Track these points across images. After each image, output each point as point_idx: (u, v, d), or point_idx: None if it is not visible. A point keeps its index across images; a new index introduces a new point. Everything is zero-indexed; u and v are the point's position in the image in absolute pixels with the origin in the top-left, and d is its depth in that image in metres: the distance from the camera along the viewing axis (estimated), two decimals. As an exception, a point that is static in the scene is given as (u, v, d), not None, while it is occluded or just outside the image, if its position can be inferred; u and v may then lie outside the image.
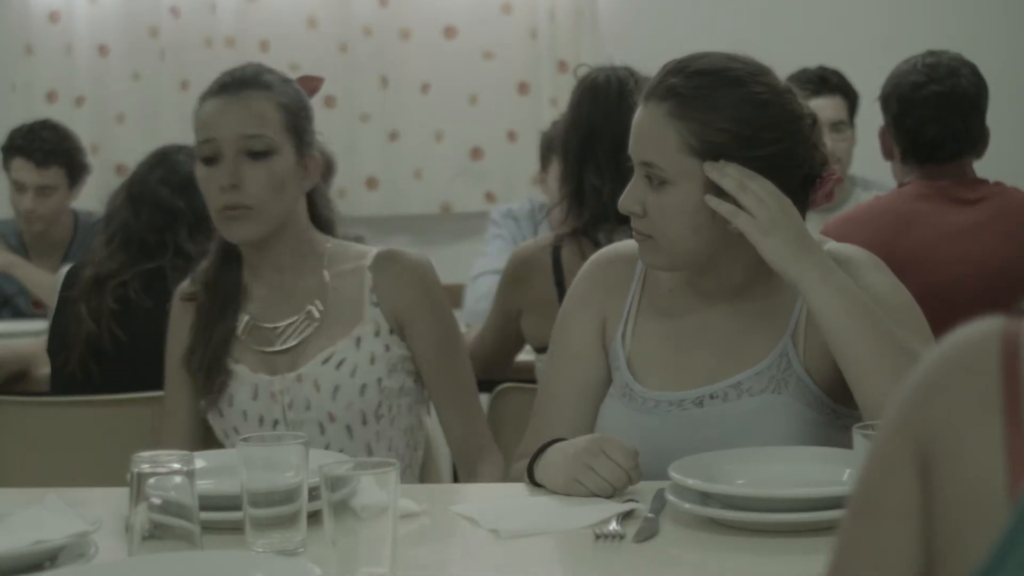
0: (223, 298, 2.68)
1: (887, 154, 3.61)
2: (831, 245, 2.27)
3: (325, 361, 2.58)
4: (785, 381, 2.19)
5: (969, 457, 1.07)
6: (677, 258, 2.22)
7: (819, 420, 2.18)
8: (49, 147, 4.83)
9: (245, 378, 2.61)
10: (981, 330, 1.12)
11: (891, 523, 1.13)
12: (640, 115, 2.22)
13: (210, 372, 2.63)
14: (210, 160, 2.57)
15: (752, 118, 2.18)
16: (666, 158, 2.17)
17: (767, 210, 2.11)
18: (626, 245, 2.39)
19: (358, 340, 2.59)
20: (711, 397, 2.21)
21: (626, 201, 2.22)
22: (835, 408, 2.19)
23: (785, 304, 2.24)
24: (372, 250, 2.69)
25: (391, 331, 2.61)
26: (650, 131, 2.19)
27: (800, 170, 2.22)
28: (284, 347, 2.62)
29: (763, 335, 2.24)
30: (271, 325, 2.65)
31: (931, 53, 3.50)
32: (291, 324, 2.64)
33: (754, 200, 2.12)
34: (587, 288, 2.39)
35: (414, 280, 2.63)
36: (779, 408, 2.17)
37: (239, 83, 2.61)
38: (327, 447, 2.55)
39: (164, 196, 3.56)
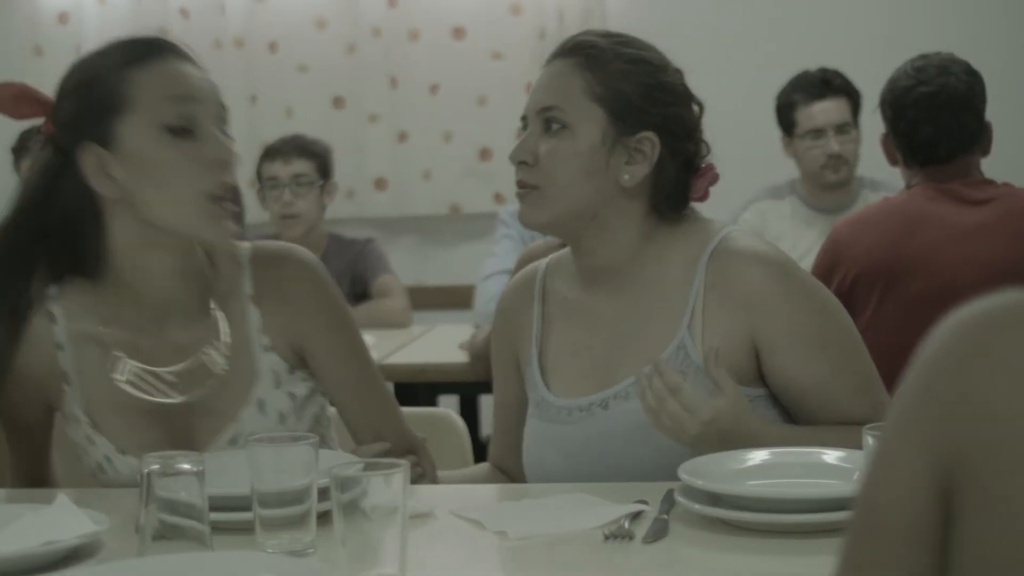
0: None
1: (891, 160, 3.61)
2: (734, 235, 2.27)
3: (236, 444, 2.23)
4: (684, 374, 2.18)
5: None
6: (561, 207, 2.26)
7: None
8: None
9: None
10: (989, 307, 1.07)
11: (897, 542, 1.07)
12: (544, 71, 2.31)
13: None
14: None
15: (655, 75, 2.28)
16: (569, 101, 2.25)
17: (689, 427, 2.09)
18: (525, 270, 2.47)
19: (262, 405, 2.28)
20: (614, 398, 2.24)
21: (517, 151, 2.27)
22: (744, 391, 2.18)
23: (678, 293, 2.26)
24: (241, 261, 2.30)
25: (291, 370, 2.30)
26: (555, 79, 2.28)
27: (688, 144, 2.30)
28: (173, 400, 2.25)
29: (658, 328, 2.25)
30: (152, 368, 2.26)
31: (922, 56, 3.52)
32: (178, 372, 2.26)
33: (674, 420, 2.09)
34: (498, 321, 2.48)
35: (305, 295, 2.30)
36: None
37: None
38: None
39: None
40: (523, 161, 2.27)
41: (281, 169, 4.90)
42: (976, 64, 3.52)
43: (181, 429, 2.24)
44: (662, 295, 2.27)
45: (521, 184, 2.28)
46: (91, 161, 2.16)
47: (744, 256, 2.23)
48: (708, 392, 2.14)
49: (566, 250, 2.40)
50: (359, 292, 4.85)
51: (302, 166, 4.89)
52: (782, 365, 2.22)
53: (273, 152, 4.96)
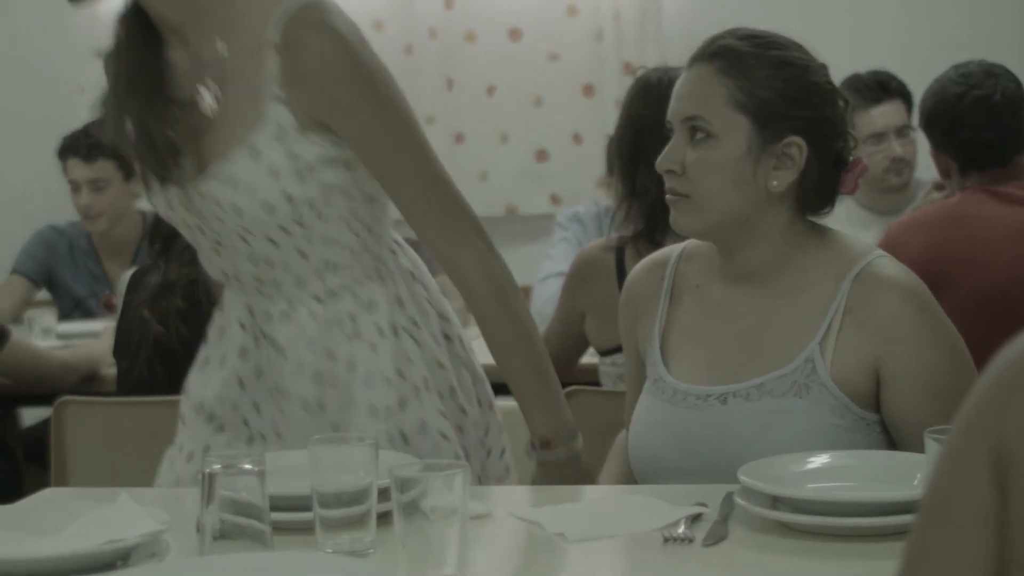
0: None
1: (944, 173, 3.60)
2: (881, 262, 2.25)
3: (220, 180, 2.27)
4: (807, 386, 2.18)
5: None
6: (712, 217, 2.24)
7: (842, 426, 2.17)
8: (94, 141, 4.89)
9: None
10: None
11: (963, 529, 1.12)
12: (685, 76, 2.28)
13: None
14: None
15: (798, 78, 2.26)
16: (713, 111, 2.22)
17: None
18: (657, 254, 2.46)
19: (255, 152, 2.25)
20: (734, 395, 2.23)
21: (664, 160, 2.25)
22: (861, 414, 2.19)
23: (816, 306, 2.24)
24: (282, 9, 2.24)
25: (301, 129, 2.25)
26: (697, 87, 2.25)
27: (837, 143, 2.28)
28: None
29: (790, 337, 2.24)
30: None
31: (960, 64, 3.51)
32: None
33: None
34: (624, 298, 2.46)
35: (333, 60, 2.25)
36: (800, 412, 2.17)
37: None
38: (255, 254, 2.33)
39: None
40: (670, 170, 2.25)
41: None
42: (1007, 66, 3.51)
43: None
44: (800, 306, 2.25)
45: (671, 192, 2.25)
46: None
47: (888, 284, 2.21)
48: (829, 410, 2.16)
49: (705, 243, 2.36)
50: None
51: None
52: (894, 397, 2.19)
53: None
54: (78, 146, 4.92)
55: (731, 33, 2.30)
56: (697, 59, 2.28)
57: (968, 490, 1.12)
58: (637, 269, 2.47)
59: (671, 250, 2.43)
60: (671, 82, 3.04)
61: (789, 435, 2.16)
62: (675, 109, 2.27)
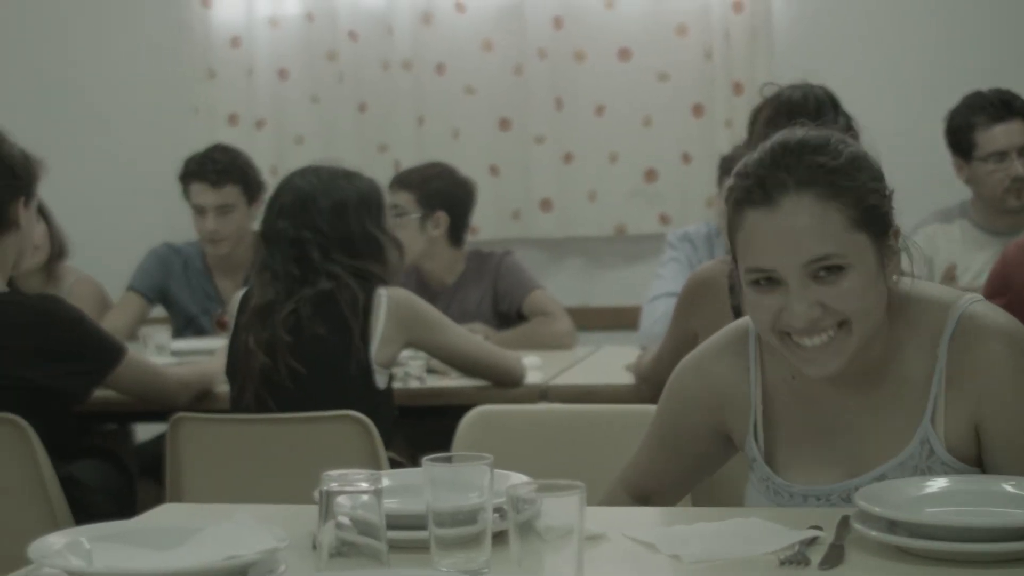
0: None
1: None
2: (972, 311, 2.15)
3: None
4: (930, 468, 2.13)
5: None
6: (863, 340, 2.11)
7: None
8: (222, 167, 4.96)
9: None
10: None
11: None
12: (782, 217, 2.06)
13: None
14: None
15: (871, 164, 2.13)
16: (840, 243, 2.06)
17: None
18: (728, 336, 2.31)
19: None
20: (855, 490, 2.07)
21: (808, 312, 2.07)
22: (974, 470, 2.13)
23: (917, 380, 2.15)
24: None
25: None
26: (809, 224, 2.05)
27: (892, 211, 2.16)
28: None
29: (899, 420, 2.16)
30: None
31: None
32: None
33: None
34: (705, 386, 2.31)
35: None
36: None
37: None
38: None
39: (286, 230, 3.62)
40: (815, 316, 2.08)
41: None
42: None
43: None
44: (901, 384, 2.16)
45: (822, 332, 2.09)
46: None
47: (988, 332, 2.12)
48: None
49: None
50: (503, 311, 4.82)
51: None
52: (988, 440, 2.13)
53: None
54: (205, 171, 4.98)
55: (798, 151, 2.10)
56: (783, 192, 2.07)
57: None
58: (712, 351, 2.32)
59: (745, 333, 2.28)
60: (817, 101, 2.88)
61: None
62: (787, 255, 2.06)
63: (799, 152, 2.09)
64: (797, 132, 2.13)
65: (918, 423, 2.14)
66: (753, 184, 2.10)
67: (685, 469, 2.40)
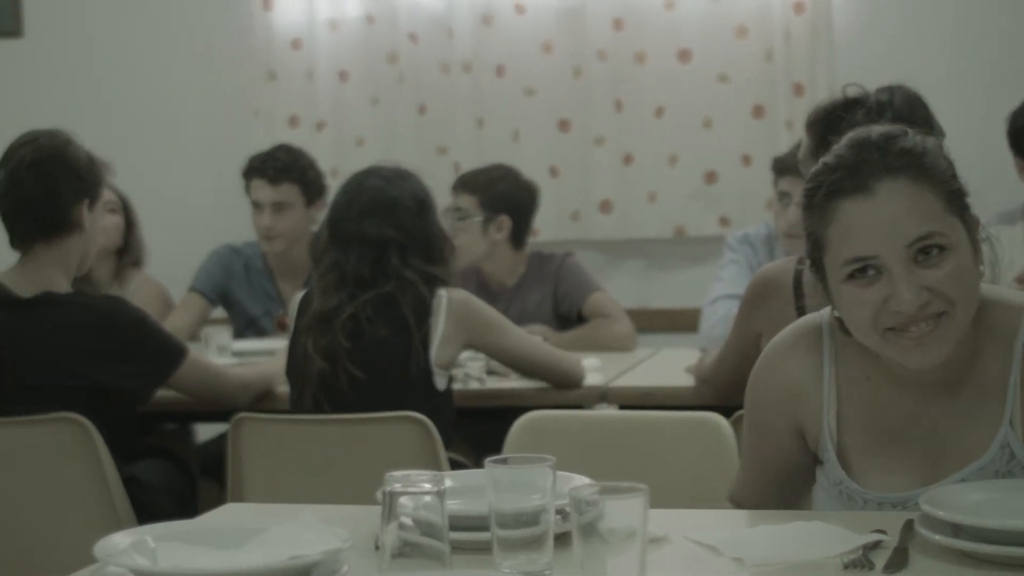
0: None
1: None
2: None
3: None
4: (1010, 472, 2.10)
5: None
6: (965, 328, 2.08)
7: None
8: (281, 165, 4.99)
9: None
10: None
11: None
12: (880, 202, 2.05)
13: None
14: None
15: (950, 159, 2.13)
16: (941, 223, 2.05)
17: None
18: (797, 335, 2.27)
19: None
20: None
21: (916, 297, 2.03)
22: None
23: (995, 383, 2.13)
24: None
25: None
26: (910, 204, 2.04)
27: None
28: None
29: (978, 424, 2.13)
30: None
31: None
32: None
33: None
34: (778, 384, 2.27)
35: None
36: None
37: None
38: None
39: (369, 229, 3.61)
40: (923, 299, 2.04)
41: None
42: None
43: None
44: (979, 387, 2.13)
45: (925, 321, 2.05)
46: None
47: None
48: None
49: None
50: (563, 312, 4.82)
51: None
52: None
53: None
54: (265, 168, 5.02)
55: (887, 139, 2.09)
56: (880, 177, 2.06)
57: None
58: (783, 347, 2.28)
59: (815, 327, 2.25)
60: (905, 102, 2.82)
61: None
62: (889, 238, 2.03)
63: (884, 141, 2.09)
64: (874, 127, 2.13)
65: (998, 427, 2.12)
66: (845, 174, 2.08)
67: (778, 476, 2.33)
